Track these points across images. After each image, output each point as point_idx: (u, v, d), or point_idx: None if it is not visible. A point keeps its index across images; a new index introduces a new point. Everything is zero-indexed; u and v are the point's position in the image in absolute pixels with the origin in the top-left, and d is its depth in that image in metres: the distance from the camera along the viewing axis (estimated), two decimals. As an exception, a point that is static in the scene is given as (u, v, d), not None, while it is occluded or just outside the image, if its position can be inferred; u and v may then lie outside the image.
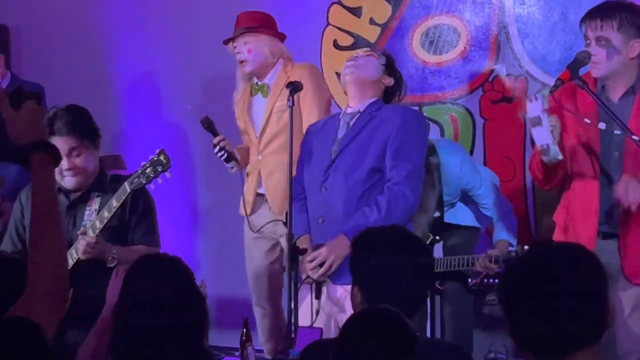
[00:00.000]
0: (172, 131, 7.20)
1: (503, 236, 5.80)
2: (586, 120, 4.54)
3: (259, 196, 5.83)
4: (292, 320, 4.72)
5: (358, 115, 5.00)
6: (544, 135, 4.47)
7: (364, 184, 4.85)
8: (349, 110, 5.04)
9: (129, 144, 7.06)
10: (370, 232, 3.85)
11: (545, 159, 4.51)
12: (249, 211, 5.81)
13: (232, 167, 5.75)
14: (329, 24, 6.82)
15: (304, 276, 4.85)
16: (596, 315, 2.54)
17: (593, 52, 4.58)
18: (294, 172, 4.99)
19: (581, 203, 4.71)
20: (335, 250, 4.73)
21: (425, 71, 6.75)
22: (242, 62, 5.72)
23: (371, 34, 6.69)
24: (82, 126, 4.88)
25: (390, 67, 5.13)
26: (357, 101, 5.03)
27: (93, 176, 4.96)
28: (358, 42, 6.72)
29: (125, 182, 4.87)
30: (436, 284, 5.84)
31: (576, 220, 4.72)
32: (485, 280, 5.88)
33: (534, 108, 4.49)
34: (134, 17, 7.29)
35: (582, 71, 4.58)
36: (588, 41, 4.62)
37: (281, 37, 5.83)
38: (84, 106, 5.08)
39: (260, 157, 5.80)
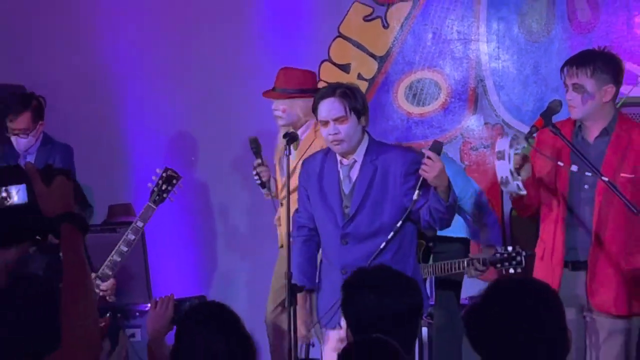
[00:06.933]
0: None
1: (489, 242, 5.94)
2: (559, 163, 4.70)
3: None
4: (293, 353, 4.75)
5: (357, 165, 4.88)
6: (504, 168, 4.61)
7: (386, 235, 4.76)
8: (345, 163, 4.88)
9: (138, 193, 6.96)
10: (359, 275, 3.78)
11: (504, 189, 4.72)
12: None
13: (266, 194, 5.93)
14: (320, 79, 6.84)
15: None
16: (557, 343, 2.58)
17: (569, 97, 4.73)
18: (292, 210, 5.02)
19: (550, 237, 4.85)
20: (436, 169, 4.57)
21: (409, 121, 6.87)
22: (277, 117, 5.92)
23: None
24: None
25: (353, 105, 4.82)
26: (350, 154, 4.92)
27: None
28: (348, 96, 6.84)
29: (138, 219, 5.09)
30: (424, 317, 5.75)
31: (547, 252, 4.87)
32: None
33: (501, 143, 4.65)
34: (142, 67, 7.33)
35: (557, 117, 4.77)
36: (567, 87, 4.77)
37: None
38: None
39: (281, 205, 5.91)
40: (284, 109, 5.84)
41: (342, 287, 3.73)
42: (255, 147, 5.93)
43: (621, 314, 4.75)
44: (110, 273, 5.11)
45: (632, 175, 4.69)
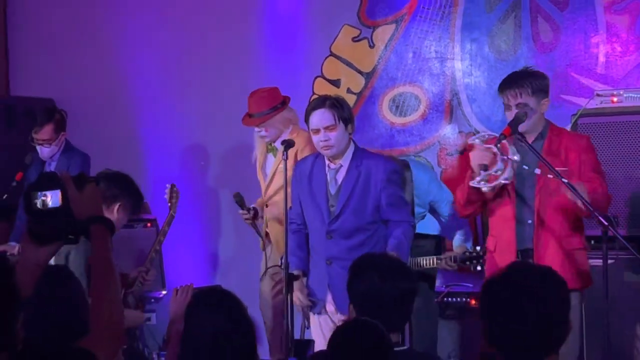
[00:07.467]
0: (191, 179, 7.48)
1: (460, 242, 6.14)
2: (525, 167, 5.00)
3: (267, 235, 6.28)
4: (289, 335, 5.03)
5: (343, 170, 5.14)
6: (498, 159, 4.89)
7: (366, 232, 5.11)
8: (332, 167, 5.15)
9: (154, 194, 7.17)
10: (364, 259, 3.95)
11: (502, 178, 4.89)
12: (262, 247, 6.31)
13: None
14: (314, 93, 7.11)
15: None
16: (562, 328, 2.63)
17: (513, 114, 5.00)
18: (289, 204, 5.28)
19: (502, 231, 5.11)
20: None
21: (392, 130, 7.07)
22: (262, 137, 6.18)
23: (349, 101, 6.42)
24: None
25: (341, 114, 5.08)
26: (337, 159, 5.18)
27: None
28: (339, 108, 7.05)
29: (164, 224, 5.57)
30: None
31: (499, 241, 5.12)
32: (446, 299, 6.19)
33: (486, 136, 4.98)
34: (157, 83, 7.54)
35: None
36: (509, 107, 5.03)
37: (287, 102, 6.15)
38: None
39: (266, 206, 6.23)
40: (266, 129, 6.09)
41: (350, 268, 3.93)
42: (239, 201, 6.14)
43: None
44: (150, 266, 5.45)
45: (565, 168, 4.91)
